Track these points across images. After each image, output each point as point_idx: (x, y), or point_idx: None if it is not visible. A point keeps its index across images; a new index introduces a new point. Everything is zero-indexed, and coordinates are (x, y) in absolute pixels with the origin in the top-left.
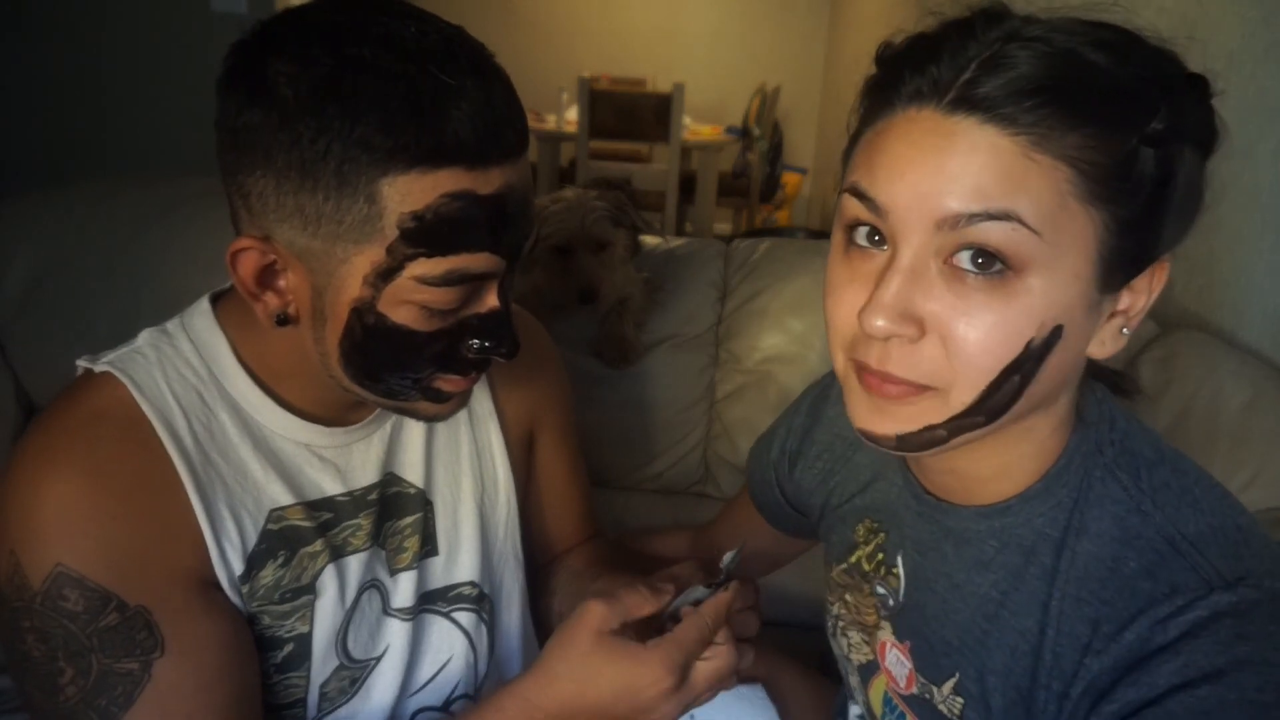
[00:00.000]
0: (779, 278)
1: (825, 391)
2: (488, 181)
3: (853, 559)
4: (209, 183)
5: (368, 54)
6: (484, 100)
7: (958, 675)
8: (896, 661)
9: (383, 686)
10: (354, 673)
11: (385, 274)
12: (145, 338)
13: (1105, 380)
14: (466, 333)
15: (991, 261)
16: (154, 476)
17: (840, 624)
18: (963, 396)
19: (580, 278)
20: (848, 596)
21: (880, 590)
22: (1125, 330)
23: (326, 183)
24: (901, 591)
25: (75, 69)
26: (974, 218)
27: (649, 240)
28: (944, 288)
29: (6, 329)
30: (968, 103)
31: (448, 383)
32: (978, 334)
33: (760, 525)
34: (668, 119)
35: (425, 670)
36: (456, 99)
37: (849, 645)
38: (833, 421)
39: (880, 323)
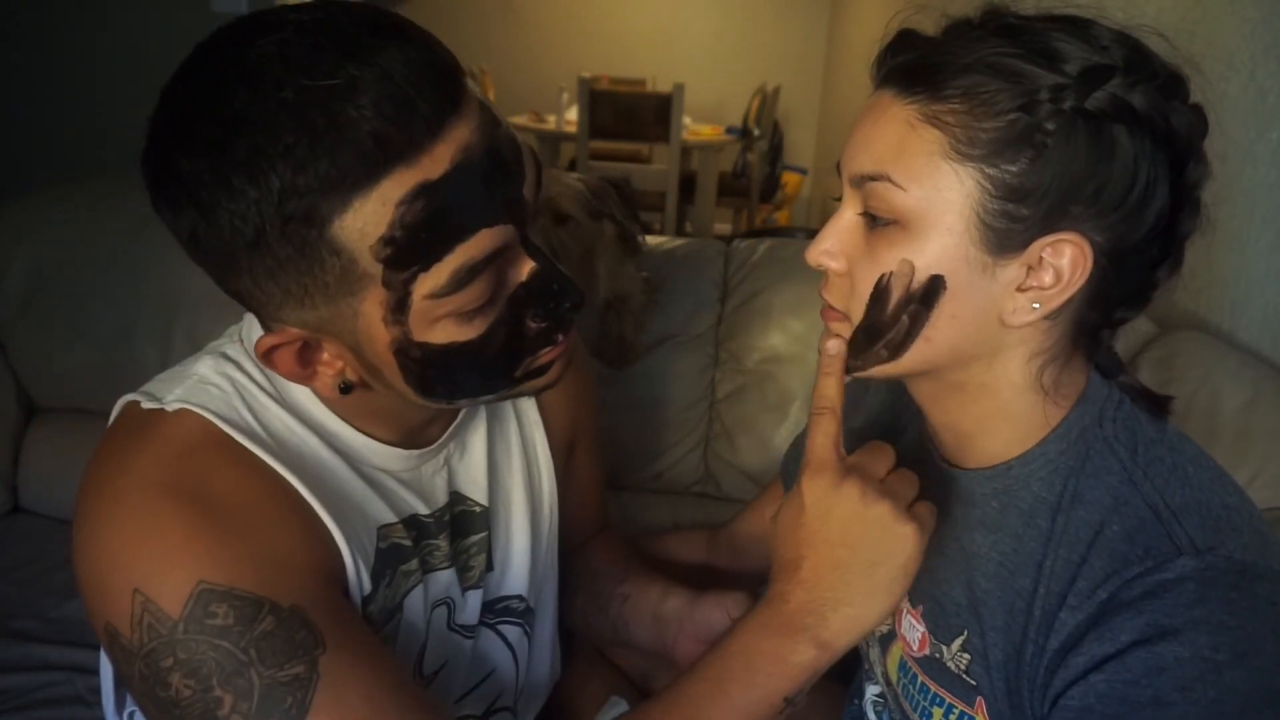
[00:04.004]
0: (779, 278)
1: (865, 382)
2: (436, 162)
3: None
4: None
5: (239, 104)
6: (378, 80)
7: (965, 633)
8: (909, 626)
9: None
10: None
11: (398, 307)
12: (209, 367)
13: (1144, 401)
14: (523, 309)
15: (879, 215)
16: (275, 492)
17: None
18: (856, 319)
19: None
20: None
21: None
22: (1036, 305)
23: (284, 254)
24: None
25: (75, 69)
26: (865, 179)
27: (649, 240)
28: (862, 235)
29: (6, 329)
30: (885, 79)
31: (542, 356)
32: (863, 270)
33: None
34: (668, 119)
35: (471, 682)
36: (348, 97)
37: None
38: (871, 409)
39: (810, 258)
